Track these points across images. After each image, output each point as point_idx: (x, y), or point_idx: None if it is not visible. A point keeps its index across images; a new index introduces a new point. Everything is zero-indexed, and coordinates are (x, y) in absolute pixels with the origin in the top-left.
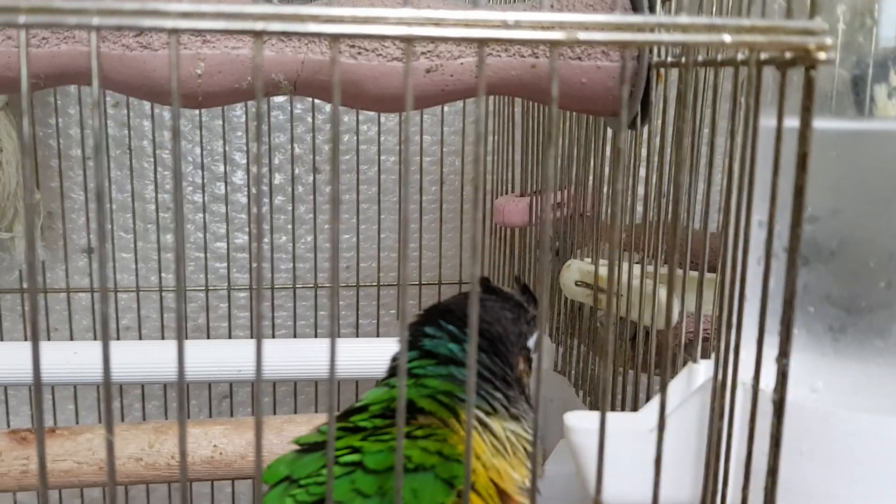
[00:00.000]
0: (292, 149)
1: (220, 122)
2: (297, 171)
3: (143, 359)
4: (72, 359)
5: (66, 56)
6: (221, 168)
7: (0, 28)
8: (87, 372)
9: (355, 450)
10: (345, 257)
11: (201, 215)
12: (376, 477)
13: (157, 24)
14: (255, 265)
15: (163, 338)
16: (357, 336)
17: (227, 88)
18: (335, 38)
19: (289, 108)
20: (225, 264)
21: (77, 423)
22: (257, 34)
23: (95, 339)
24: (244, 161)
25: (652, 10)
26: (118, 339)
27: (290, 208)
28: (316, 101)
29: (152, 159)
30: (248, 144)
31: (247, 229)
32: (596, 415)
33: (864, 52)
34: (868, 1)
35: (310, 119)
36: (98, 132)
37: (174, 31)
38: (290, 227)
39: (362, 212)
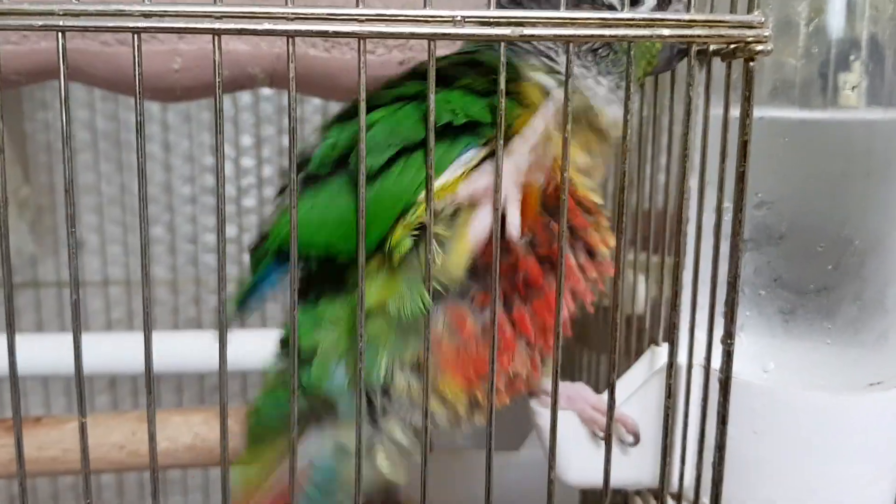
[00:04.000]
0: (280, 140)
1: (208, 115)
2: (284, 163)
3: (133, 350)
4: (62, 351)
5: (46, 53)
6: (209, 160)
7: None
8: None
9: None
10: None
11: (190, 207)
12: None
13: (120, 24)
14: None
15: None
16: None
17: (203, 82)
18: (290, 35)
19: (276, 99)
20: (215, 256)
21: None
22: (216, 33)
23: (88, 331)
24: (234, 153)
25: None
26: (111, 330)
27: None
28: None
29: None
30: (236, 136)
31: (237, 220)
32: None
33: (827, 42)
34: None
35: (298, 110)
36: (66, 128)
37: (136, 31)
38: None
39: None
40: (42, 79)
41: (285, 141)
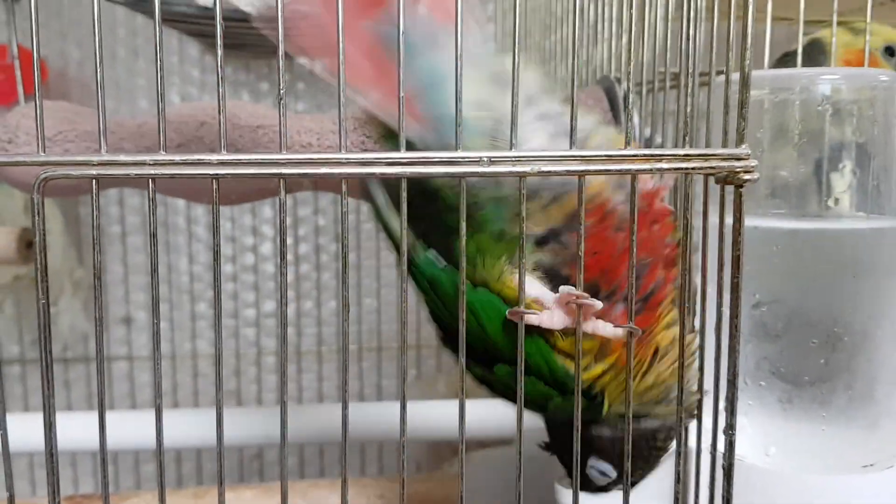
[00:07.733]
0: (316, 220)
1: None
2: (321, 241)
3: (177, 425)
4: (121, 427)
5: None
6: (250, 240)
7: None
8: (121, 439)
9: None
10: (368, 320)
11: (232, 284)
12: None
13: (200, 171)
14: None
15: (196, 403)
16: (380, 396)
17: (257, 189)
18: (343, 177)
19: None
20: (255, 330)
21: (118, 486)
22: (282, 177)
23: (134, 406)
24: (271, 233)
25: (626, 109)
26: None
27: (316, 276)
28: None
29: (187, 234)
30: (276, 218)
31: (275, 296)
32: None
33: (819, 147)
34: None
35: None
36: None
37: (215, 177)
38: (315, 293)
39: (383, 276)
40: (117, 186)
41: (321, 221)
